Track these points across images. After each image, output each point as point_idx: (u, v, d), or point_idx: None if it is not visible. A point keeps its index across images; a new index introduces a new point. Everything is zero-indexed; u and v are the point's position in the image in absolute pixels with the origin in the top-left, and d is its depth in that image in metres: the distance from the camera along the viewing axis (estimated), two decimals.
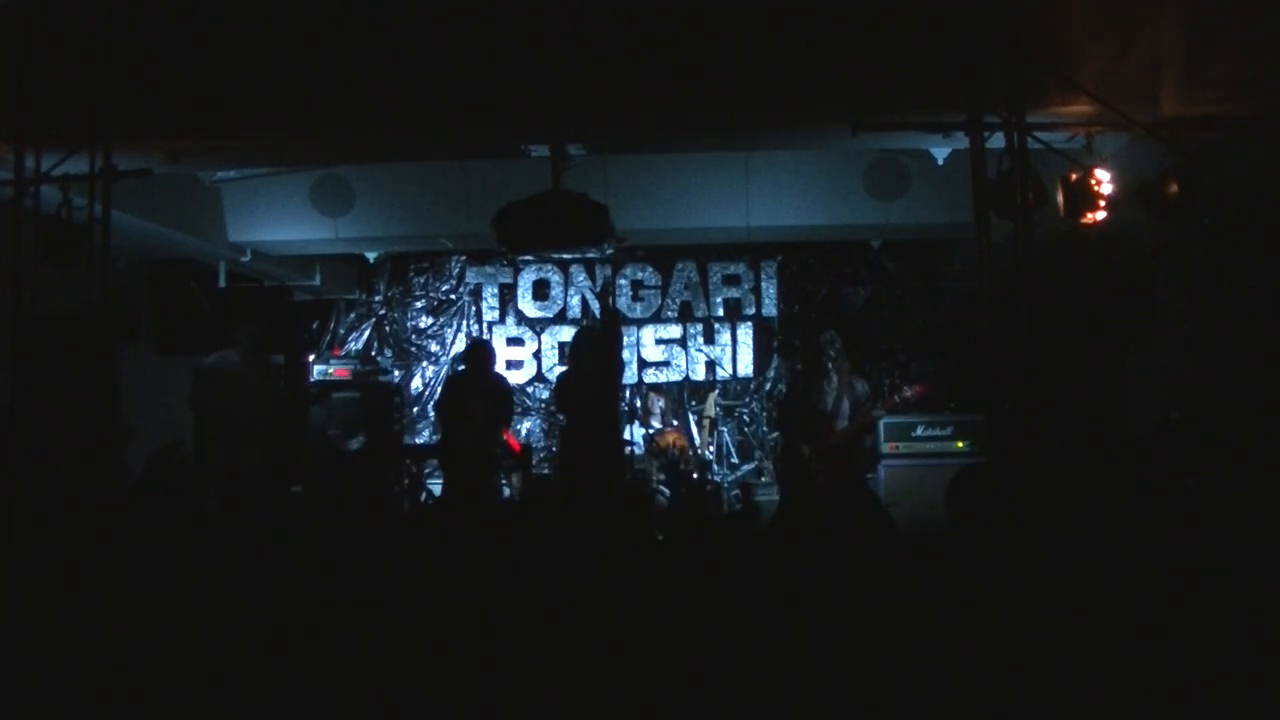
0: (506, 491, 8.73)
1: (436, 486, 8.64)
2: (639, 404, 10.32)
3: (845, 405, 7.15)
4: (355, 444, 8.48)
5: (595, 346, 7.41)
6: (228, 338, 7.34)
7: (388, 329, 11.06)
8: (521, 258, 10.22)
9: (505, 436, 9.96)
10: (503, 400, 7.86)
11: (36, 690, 2.51)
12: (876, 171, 8.47)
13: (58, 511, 3.89)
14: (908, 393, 7.18)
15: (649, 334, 10.83)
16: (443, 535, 3.36)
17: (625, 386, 10.31)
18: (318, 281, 10.27)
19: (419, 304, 11.05)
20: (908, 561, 2.87)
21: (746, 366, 10.78)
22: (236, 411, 7.04)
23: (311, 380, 8.78)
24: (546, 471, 10.03)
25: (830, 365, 7.15)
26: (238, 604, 2.75)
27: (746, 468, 10.33)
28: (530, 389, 10.88)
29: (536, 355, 10.88)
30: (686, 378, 10.77)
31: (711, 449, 9.25)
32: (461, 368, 8.87)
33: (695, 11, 5.58)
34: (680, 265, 10.79)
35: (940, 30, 5.28)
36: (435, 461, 8.89)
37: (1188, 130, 5.54)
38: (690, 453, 9.01)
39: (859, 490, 6.90)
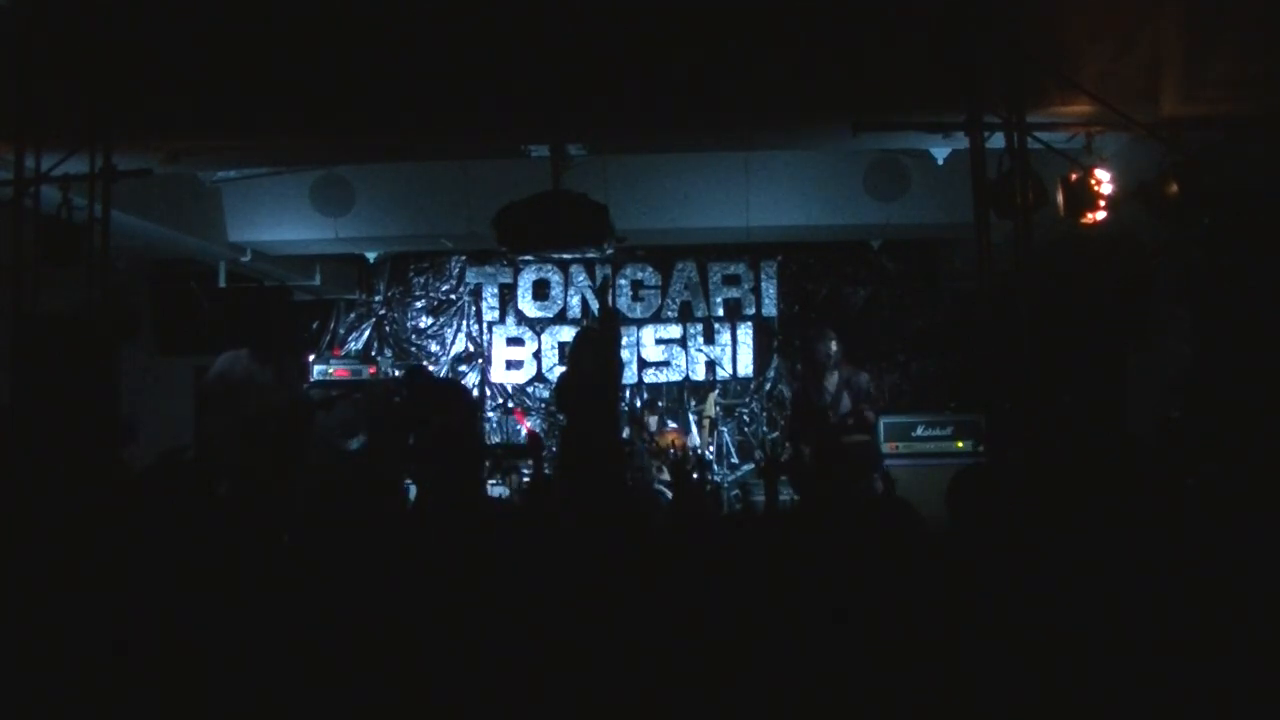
0: (506, 491, 8.72)
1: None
2: (638, 405, 10.33)
3: (845, 401, 7.16)
4: (355, 444, 8.47)
5: (595, 346, 7.41)
6: (237, 339, 7.34)
7: (388, 329, 11.06)
8: (521, 258, 10.22)
9: (520, 424, 9.95)
10: (458, 408, 7.80)
11: (36, 690, 2.51)
12: (876, 171, 8.47)
13: (58, 511, 3.89)
14: (868, 414, 7.22)
15: (649, 334, 10.82)
16: (441, 535, 3.36)
17: (625, 386, 10.32)
18: (318, 281, 10.28)
19: (419, 304, 11.05)
20: (908, 561, 2.87)
21: (746, 366, 10.77)
22: (244, 412, 7.03)
23: (312, 380, 8.78)
24: (547, 471, 10.02)
25: (827, 363, 7.18)
26: (237, 603, 2.75)
27: (746, 468, 10.33)
28: (530, 389, 10.88)
29: (536, 355, 10.88)
30: (686, 378, 10.77)
31: (711, 449, 9.25)
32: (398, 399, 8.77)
33: (695, 12, 5.58)
34: (680, 265, 10.79)
35: (940, 30, 5.28)
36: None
37: (1188, 130, 5.54)
38: (690, 453, 9.00)
39: (872, 489, 6.91)
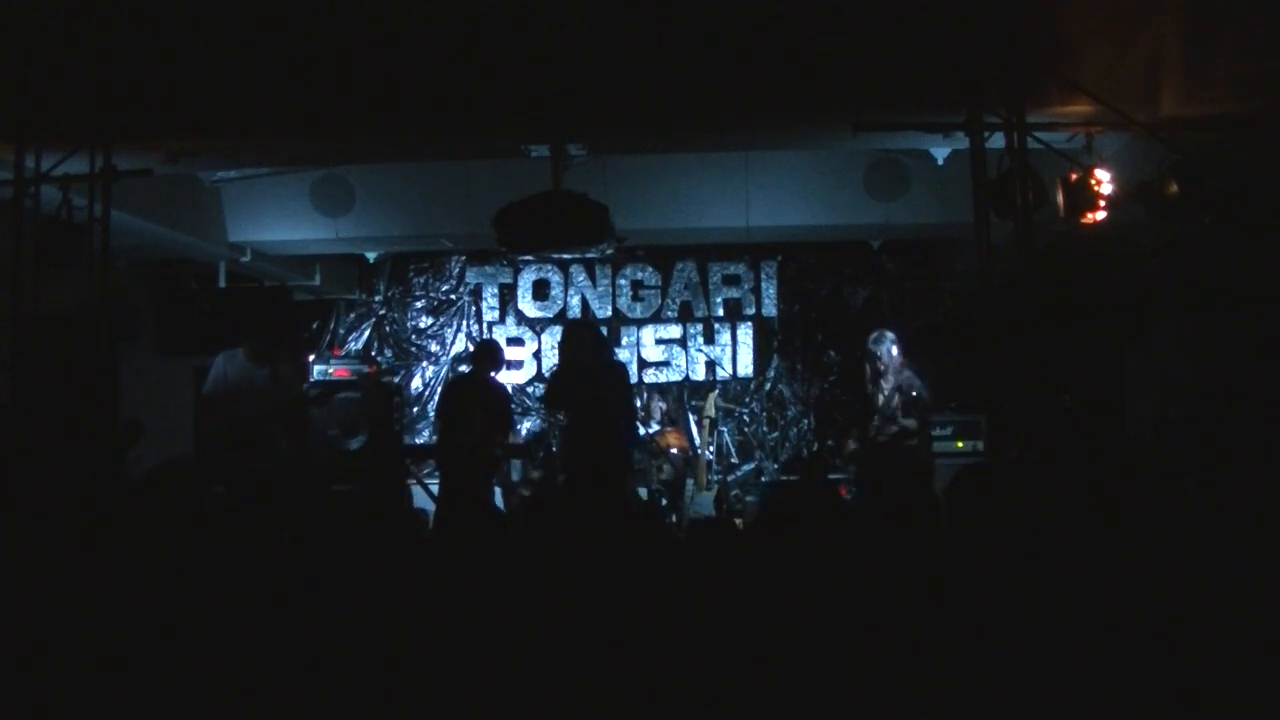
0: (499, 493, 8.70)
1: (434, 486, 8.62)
2: (638, 404, 10.32)
3: (896, 402, 7.14)
4: (355, 444, 8.47)
5: (585, 340, 7.36)
6: (235, 339, 7.34)
7: (388, 329, 11.05)
8: (521, 258, 10.21)
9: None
10: (502, 407, 7.81)
11: (36, 690, 2.51)
12: (876, 171, 8.46)
13: (58, 511, 3.89)
14: (904, 423, 7.19)
15: (649, 334, 10.82)
16: (444, 537, 3.36)
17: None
18: (318, 281, 10.27)
19: (419, 304, 11.04)
20: (907, 561, 2.87)
21: (746, 366, 10.77)
22: (244, 413, 7.05)
23: (312, 380, 8.77)
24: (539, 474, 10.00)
25: (878, 365, 7.18)
26: (236, 605, 2.75)
27: (746, 468, 10.34)
28: (530, 389, 10.87)
29: (536, 355, 10.88)
30: (686, 378, 10.76)
31: (711, 449, 9.25)
32: (464, 368, 8.77)
33: (695, 11, 5.58)
34: (680, 265, 10.78)
35: (940, 30, 5.29)
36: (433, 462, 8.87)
37: (1188, 130, 5.54)
38: (690, 453, 9.00)
39: (912, 492, 6.87)
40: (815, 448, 10.21)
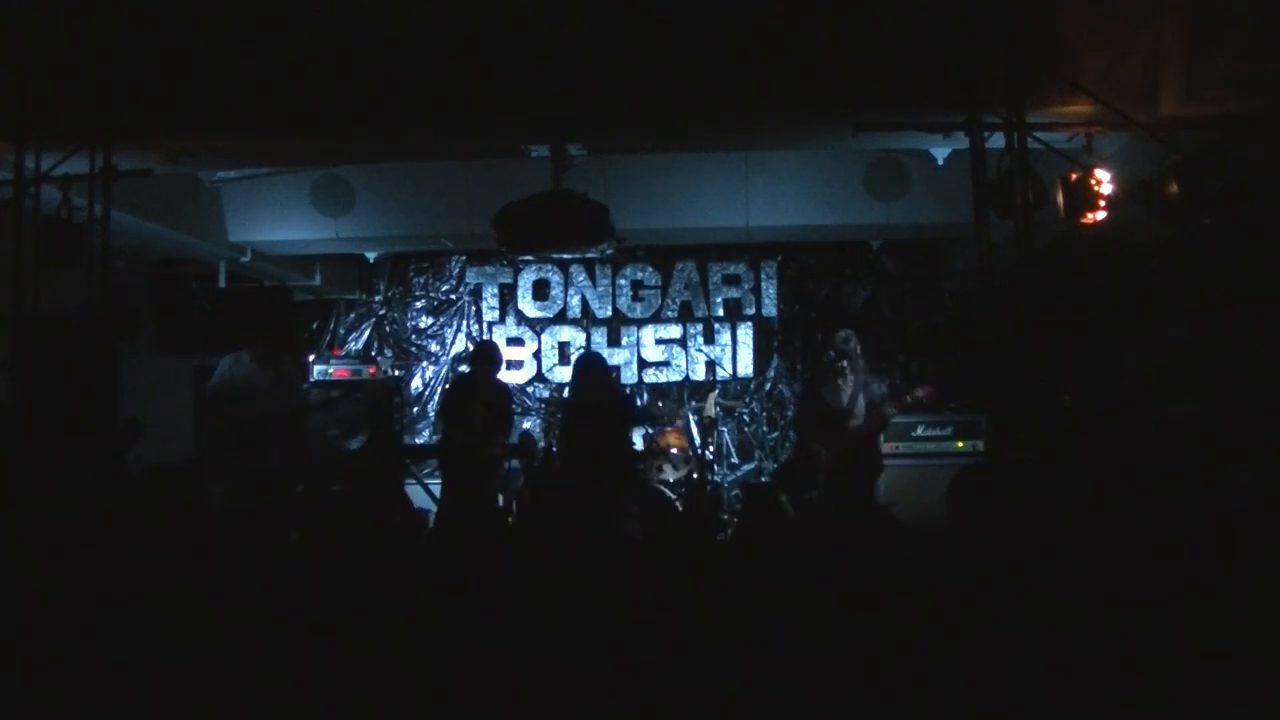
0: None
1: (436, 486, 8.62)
2: (641, 402, 10.33)
3: (860, 404, 7.13)
4: (355, 444, 8.48)
5: (595, 374, 7.46)
6: (235, 339, 7.35)
7: (388, 329, 11.05)
8: (521, 258, 10.22)
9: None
10: (503, 407, 7.83)
11: (36, 690, 2.51)
12: (876, 171, 8.46)
13: (58, 511, 3.89)
14: (919, 393, 7.15)
15: (649, 334, 10.82)
16: (444, 537, 3.36)
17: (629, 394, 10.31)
18: (318, 281, 10.27)
19: (419, 304, 11.04)
20: (907, 561, 2.87)
21: (746, 366, 10.77)
22: (247, 414, 7.05)
23: (312, 380, 8.78)
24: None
25: (845, 364, 7.13)
26: (235, 605, 2.75)
27: (747, 468, 10.34)
28: (530, 389, 10.88)
29: (536, 355, 10.88)
30: (686, 378, 10.76)
31: (711, 449, 9.24)
32: (465, 369, 8.78)
33: (695, 11, 5.58)
34: (680, 265, 10.78)
35: (940, 30, 5.29)
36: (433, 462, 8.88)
37: (1188, 130, 5.54)
38: (690, 453, 9.00)
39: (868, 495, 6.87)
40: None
